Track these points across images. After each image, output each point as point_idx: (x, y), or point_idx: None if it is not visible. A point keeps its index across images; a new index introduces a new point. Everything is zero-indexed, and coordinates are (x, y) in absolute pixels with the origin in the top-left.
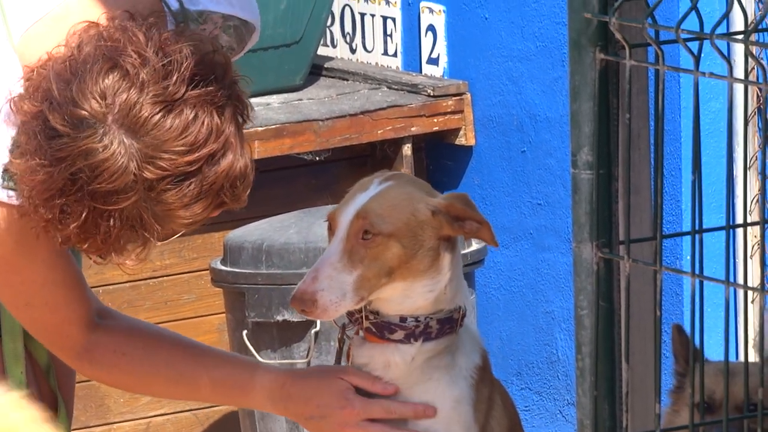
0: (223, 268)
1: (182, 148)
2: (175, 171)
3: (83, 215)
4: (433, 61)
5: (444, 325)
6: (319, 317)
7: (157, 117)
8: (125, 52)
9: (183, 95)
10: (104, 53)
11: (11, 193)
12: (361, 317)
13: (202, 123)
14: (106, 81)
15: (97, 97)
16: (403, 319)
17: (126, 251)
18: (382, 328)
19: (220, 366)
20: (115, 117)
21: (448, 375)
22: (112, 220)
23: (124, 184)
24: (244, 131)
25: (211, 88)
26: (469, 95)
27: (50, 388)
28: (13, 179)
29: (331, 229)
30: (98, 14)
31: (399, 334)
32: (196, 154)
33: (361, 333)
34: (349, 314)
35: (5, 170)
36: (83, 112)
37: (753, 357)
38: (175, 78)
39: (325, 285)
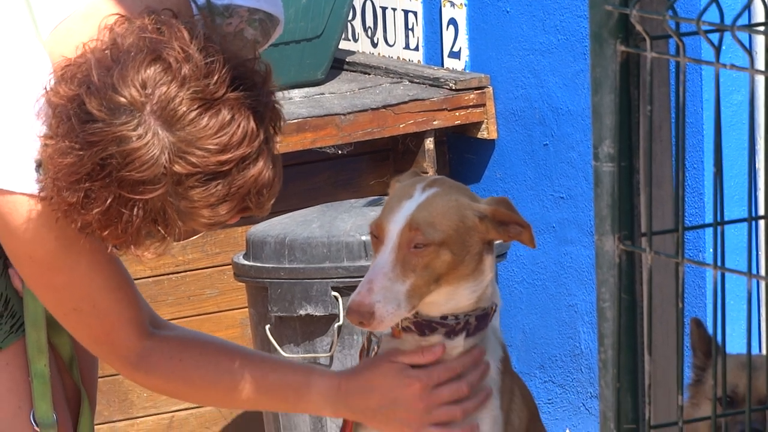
0: (246, 262)
1: (215, 147)
2: (205, 169)
3: (108, 202)
4: (455, 55)
5: (480, 322)
6: (376, 328)
7: (195, 113)
8: (169, 46)
9: (222, 95)
10: (148, 45)
11: None
12: None
13: (238, 125)
14: (148, 71)
15: (138, 86)
16: (444, 317)
17: (144, 244)
18: (422, 327)
19: (276, 370)
20: (153, 108)
21: None
22: (135, 210)
23: (153, 175)
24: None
25: (250, 92)
26: (490, 89)
27: (73, 381)
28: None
29: (378, 238)
30: (123, 11)
31: (440, 332)
32: (228, 155)
33: (386, 331)
34: None
35: (40, 165)
36: (122, 99)
37: None
38: (216, 78)
39: (381, 296)
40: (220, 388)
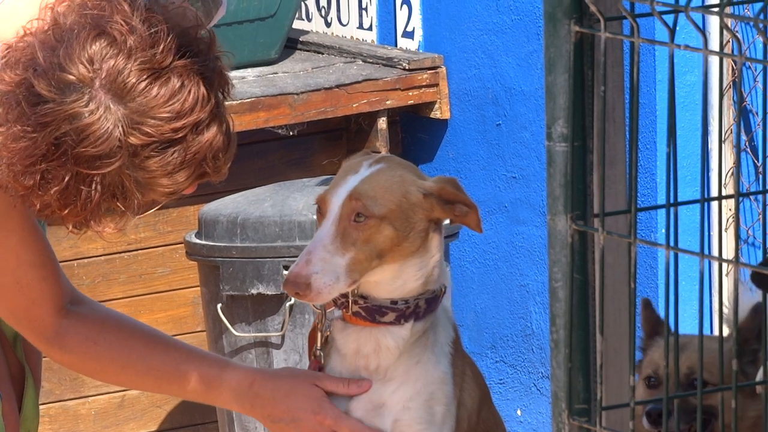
0: (198, 241)
1: (168, 115)
2: (160, 138)
3: (66, 180)
4: (409, 35)
5: (430, 305)
6: (313, 301)
7: (144, 84)
8: (112, 20)
9: (170, 64)
10: (90, 21)
11: None
12: (348, 301)
13: (189, 92)
14: (94, 47)
15: (85, 62)
16: (393, 302)
17: (104, 220)
18: (372, 312)
19: (189, 361)
20: (103, 82)
21: (434, 354)
22: (94, 185)
23: (108, 148)
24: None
25: (197, 59)
26: (444, 68)
27: (17, 359)
28: None
29: (321, 212)
30: None
31: (390, 317)
32: (182, 122)
33: (337, 314)
34: (335, 299)
35: None
36: (70, 77)
37: (727, 331)
38: (162, 47)
39: (319, 268)
40: (130, 373)
